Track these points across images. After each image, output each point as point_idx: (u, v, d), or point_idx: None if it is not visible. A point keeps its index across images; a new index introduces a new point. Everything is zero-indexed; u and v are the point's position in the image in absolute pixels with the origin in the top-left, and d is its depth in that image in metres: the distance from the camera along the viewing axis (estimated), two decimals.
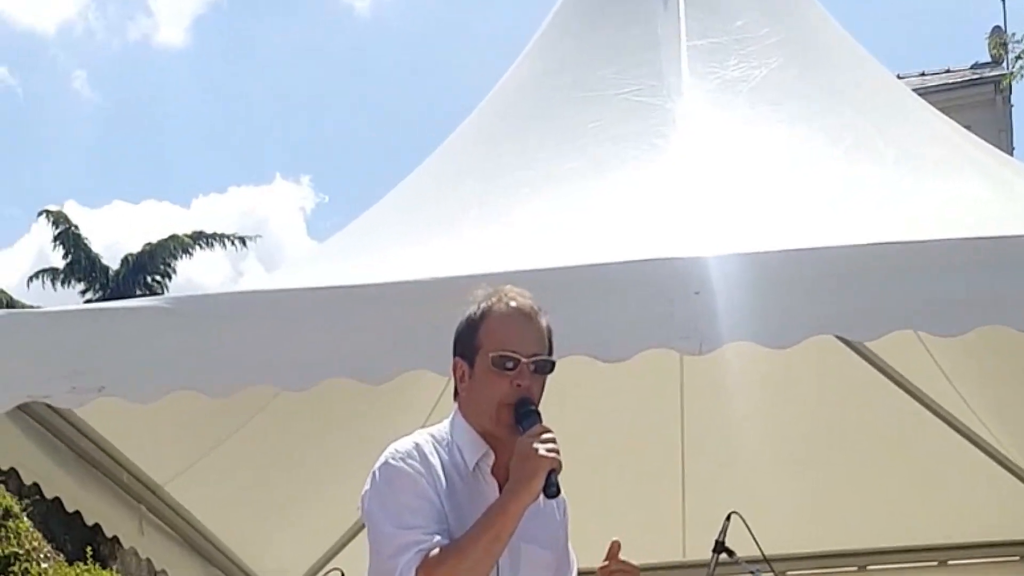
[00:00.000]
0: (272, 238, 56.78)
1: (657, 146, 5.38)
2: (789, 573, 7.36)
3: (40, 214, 31.90)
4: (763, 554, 5.63)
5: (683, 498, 7.18)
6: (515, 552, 3.32)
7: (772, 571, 5.74)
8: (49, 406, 4.91)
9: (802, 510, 7.10)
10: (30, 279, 31.76)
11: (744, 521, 5.63)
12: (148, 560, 6.28)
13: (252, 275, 34.47)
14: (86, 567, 13.86)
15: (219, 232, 32.20)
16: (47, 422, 5.17)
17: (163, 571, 6.48)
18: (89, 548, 13.98)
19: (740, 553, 5.76)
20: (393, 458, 3.31)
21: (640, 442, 7.00)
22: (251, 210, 53.12)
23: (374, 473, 3.34)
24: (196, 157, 58.62)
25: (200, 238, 31.94)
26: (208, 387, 4.39)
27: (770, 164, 5.29)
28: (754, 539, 5.59)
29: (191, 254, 31.95)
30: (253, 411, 5.90)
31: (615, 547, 3.52)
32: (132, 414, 4.91)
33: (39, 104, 56.14)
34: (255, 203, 53.78)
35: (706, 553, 6.10)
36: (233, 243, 32.00)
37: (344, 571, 6.54)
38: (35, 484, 5.19)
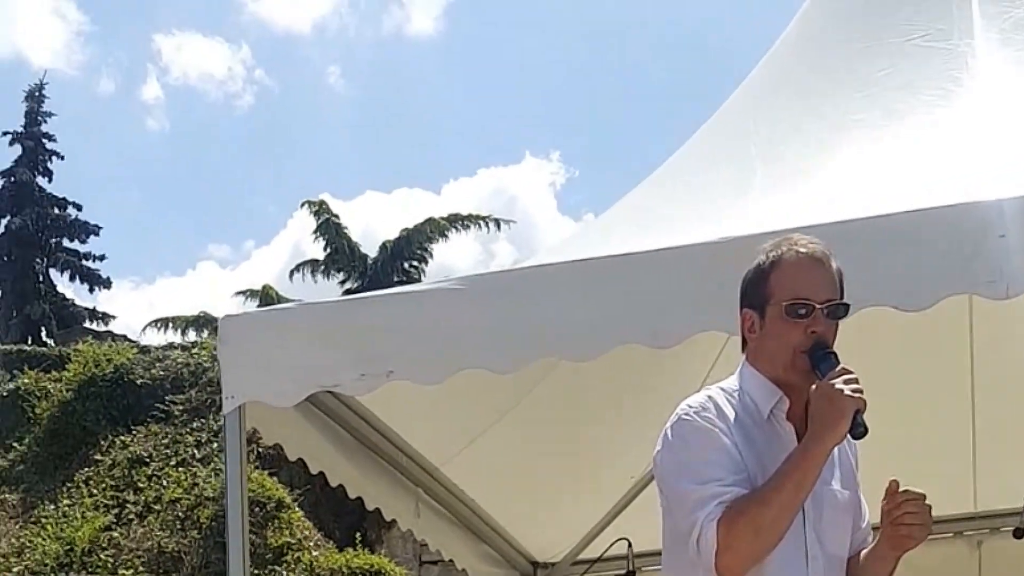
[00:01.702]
0: (523, 216, 57.69)
1: (950, 91, 5.20)
2: None
3: (302, 205, 32.77)
4: None
5: (973, 448, 6.92)
6: (818, 495, 3.27)
7: None
8: (332, 393, 4.95)
9: None
10: (292, 271, 32.64)
11: None
12: (416, 543, 6.34)
13: (504, 255, 34.92)
14: (355, 553, 14.19)
15: (474, 213, 32.62)
16: (330, 410, 5.23)
17: (438, 551, 6.55)
18: (358, 534, 14.32)
19: None
20: (686, 414, 3.28)
21: (928, 392, 6.76)
22: (501, 190, 54.05)
23: (666, 432, 3.31)
24: (446, 142, 59.67)
25: (455, 220, 32.35)
26: (495, 364, 4.40)
27: None
28: None
29: (447, 237, 32.40)
30: (529, 387, 5.88)
31: (893, 486, 3.38)
32: (409, 397, 4.93)
33: (294, 102, 57.83)
34: (504, 183, 54.67)
35: (997, 504, 5.86)
36: (487, 224, 32.33)
37: (631, 540, 6.47)
38: (305, 475, 5.25)
